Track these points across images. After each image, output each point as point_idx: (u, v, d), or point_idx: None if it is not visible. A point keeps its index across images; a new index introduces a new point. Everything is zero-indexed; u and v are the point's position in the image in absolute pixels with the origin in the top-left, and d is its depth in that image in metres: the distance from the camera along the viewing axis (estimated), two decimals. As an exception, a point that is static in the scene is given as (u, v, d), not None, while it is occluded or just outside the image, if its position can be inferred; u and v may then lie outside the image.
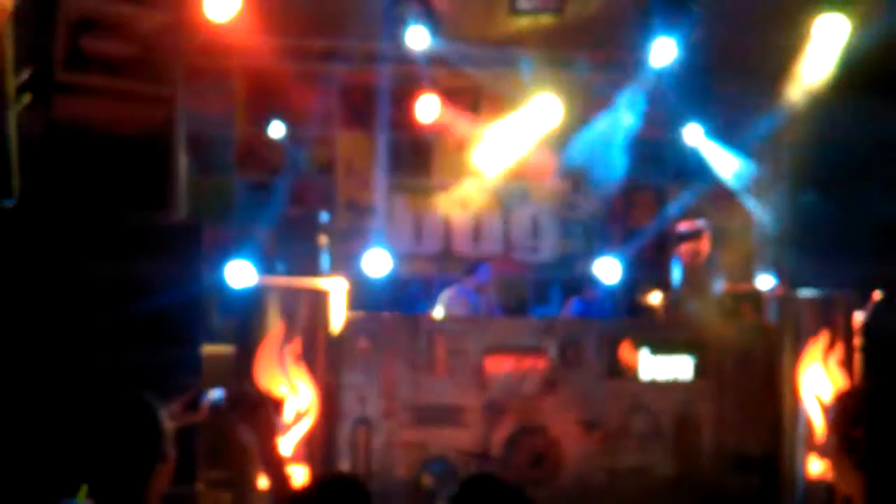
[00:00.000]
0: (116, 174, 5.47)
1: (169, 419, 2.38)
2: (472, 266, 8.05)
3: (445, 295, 8.02)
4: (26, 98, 5.22)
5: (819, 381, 5.85)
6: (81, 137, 5.45)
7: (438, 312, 7.68)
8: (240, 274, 6.87)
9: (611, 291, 8.17)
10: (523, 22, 7.64)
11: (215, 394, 2.69)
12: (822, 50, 7.60)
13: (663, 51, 7.81)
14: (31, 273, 4.47)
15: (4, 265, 4.36)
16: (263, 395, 2.63)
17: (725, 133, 9.44)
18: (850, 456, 2.16)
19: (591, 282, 8.04)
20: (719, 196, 9.84)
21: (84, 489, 2.30)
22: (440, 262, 9.51)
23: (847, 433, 2.20)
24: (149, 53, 5.82)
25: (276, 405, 2.71)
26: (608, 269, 8.39)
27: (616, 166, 9.40)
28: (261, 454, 2.54)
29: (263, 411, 2.54)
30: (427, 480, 5.89)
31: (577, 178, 9.73)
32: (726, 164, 9.43)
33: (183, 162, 8.62)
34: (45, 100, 5.39)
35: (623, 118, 8.96)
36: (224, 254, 8.59)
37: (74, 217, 4.78)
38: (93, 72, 5.66)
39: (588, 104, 9.72)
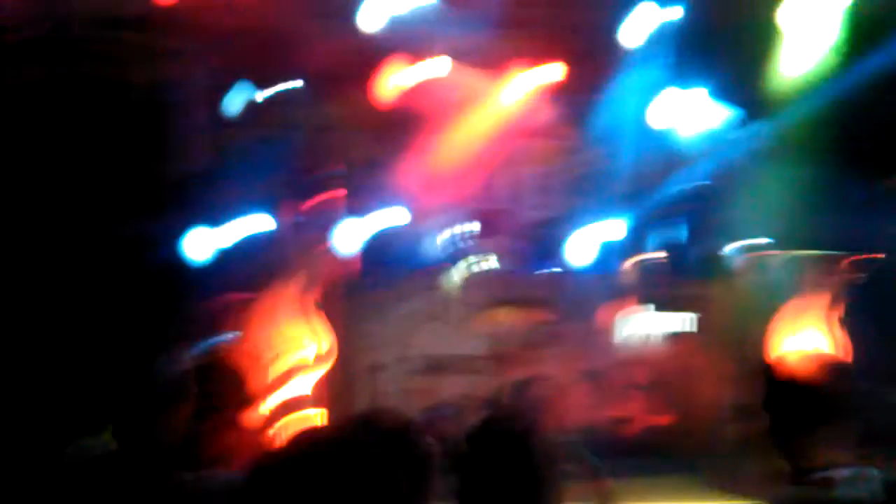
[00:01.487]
0: (135, 127, 5.58)
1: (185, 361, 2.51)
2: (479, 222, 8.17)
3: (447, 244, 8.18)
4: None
5: (817, 339, 6.05)
6: (101, 91, 5.58)
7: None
8: (260, 226, 7.06)
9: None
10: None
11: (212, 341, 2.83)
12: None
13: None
14: (59, 225, 4.56)
15: (32, 222, 4.48)
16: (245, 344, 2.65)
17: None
18: None
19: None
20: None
21: (109, 429, 2.39)
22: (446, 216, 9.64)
23: None
24: (167, 11, 5.94)
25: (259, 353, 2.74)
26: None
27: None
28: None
29: (245, 359, 2.67)
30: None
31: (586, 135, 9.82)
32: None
33: (203, 115, 8.78)
34: (66, 54, 5.52)
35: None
36: (243, 207, 8.76)
37: (95, 171, 4.86)
38: (113, 28, 5.77)
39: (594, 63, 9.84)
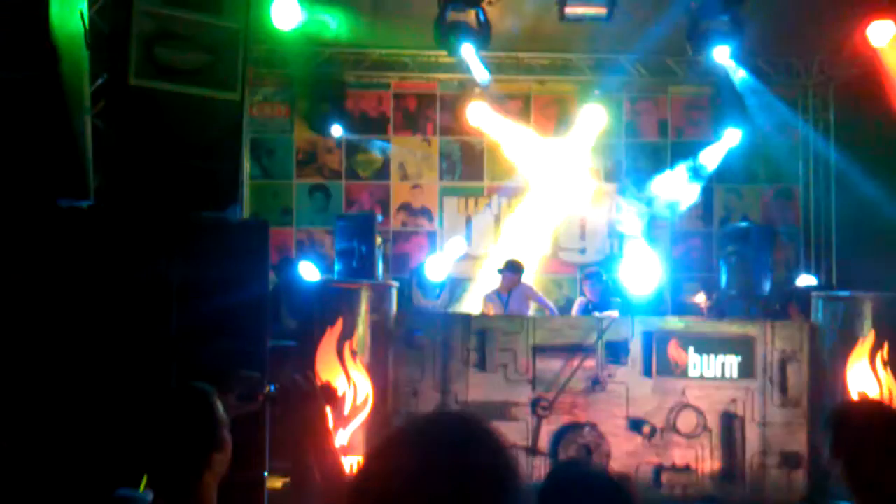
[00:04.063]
0: (186, 177, 5.67)
1: (226, 409, 2.42)
2: (501, 268, 8.20)
3: (481, 297, 8.26)
4: (102, 104, 5.50)
5: (865, 379, 5.90)
6: (153, 141, 5.70)
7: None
8: (304, 273, 7.12)
9: (610, 288, 8.22)
10: (572, 29, 7.78)
11: (271, 386, 2.67)
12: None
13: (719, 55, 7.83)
14: (105, 271, 4.62)
15: (79, 263, 4.53)
16: (313, 386, 2.54)
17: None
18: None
19: (592, 279, 8.07)
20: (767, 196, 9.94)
21: (144, 479, 2.36)
22: (490, 262, 9.71)
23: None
24: (217, 61, 6.08)
25: (330, 397, 2.65)
26: (649, 269, 8.53)
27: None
28: (311, 444, 2.51)
29: (313, 402, 2.52)
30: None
31: (622, 182, 9.88)
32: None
33: (246, 166, 8.98)
34: (120, 106, 5.67)
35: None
36: (286, 254, 8.89)
37: (146, 217, 4.94)
38: (165, 79, 5.93)
39: (634, 108, 9.90)
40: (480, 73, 8.84)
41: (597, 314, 7.30)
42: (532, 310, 8.04)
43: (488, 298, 8.03)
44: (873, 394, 5.84)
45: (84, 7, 5.27)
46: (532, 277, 8.96)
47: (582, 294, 8.33)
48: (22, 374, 4.17)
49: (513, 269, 8.03)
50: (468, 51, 7.93)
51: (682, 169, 9.51)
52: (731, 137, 9.27)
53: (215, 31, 5.95)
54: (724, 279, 8.12)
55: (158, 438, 2.30)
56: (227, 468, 2.39)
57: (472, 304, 9.12)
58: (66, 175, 4.66)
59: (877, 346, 5.94)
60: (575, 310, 8.06)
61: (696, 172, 9.51)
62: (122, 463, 2.44)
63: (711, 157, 9.47)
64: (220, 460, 2.35)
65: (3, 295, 4.23)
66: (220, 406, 2.40)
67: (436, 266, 8.54)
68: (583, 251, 9.77)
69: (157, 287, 4.71)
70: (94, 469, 3.91)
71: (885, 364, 5.91)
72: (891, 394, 5.87)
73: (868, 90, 8.12)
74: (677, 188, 9.50)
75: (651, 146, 9.94)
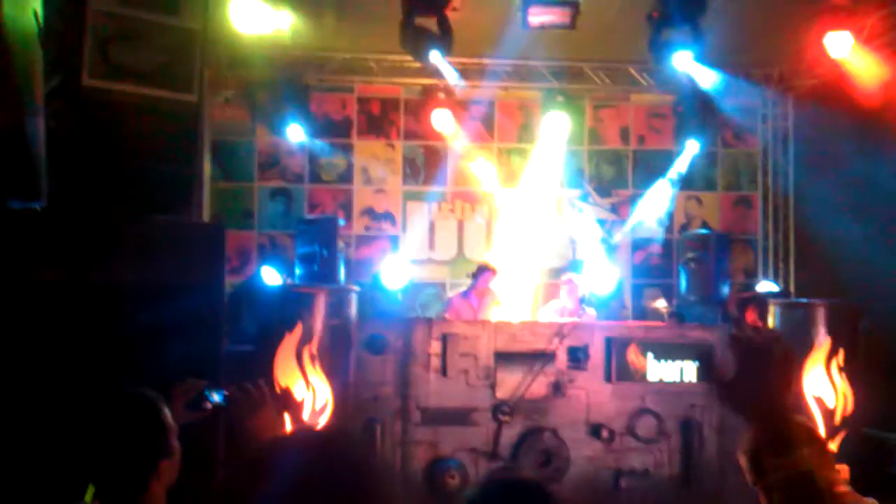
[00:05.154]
0: (140, 179, 5.59)
1: (174, 416, 2.40)
2: (474, 272, 8.22)
3: (451, 300, 8.25)
4: (56, 105, 5.41)
5: (821, 384, 5.97)
6: (107, 142, 5.61)
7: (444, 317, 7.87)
8: (265, 277, 7.05)
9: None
10: (535, 37, 7.80)
11: (216, 393, 2.66)
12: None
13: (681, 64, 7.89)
14: (55, 273, 4.52)
15: (30, 266, 4.46)
16: (263, 394, 2.51)
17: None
18: None
19: (570, 284, 8.11)
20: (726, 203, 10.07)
21: (91, 490, 2.31)
22: (453, 267, 9.71)
23: None
24: (174, 63, 6.00)
25: (289, 403, 2.68)
26: (608, 274, 8.60)
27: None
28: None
29: (265, 409, 2.49)
30: (452, 480, 6.03)
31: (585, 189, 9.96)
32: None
33: (207, 169, 8.88)
34: (74, 106, 5.57)
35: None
36: (247, 258, 8.81)
37: (98, 219, 4.85)
38: (119, 80, 5.83)
39: (597, 115, 9.97)
40: (450, 77, 8.85)
41: (566, 319, 7.33)
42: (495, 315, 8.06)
43: (458, 302, 8.02)
44: (829, 399, 5.91)
45: (39, 6, 5.17)
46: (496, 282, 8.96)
47: (557, 298, 8.34)
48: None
49: (484, 274, 8.05)
50: (434, 56, 7.92)
51: (663, 182, 9.62)
52: (693, 146, 9.39)
53: (172, 32, 5.89)
54: (683, 285, 8.19)
55: (105, 446, 2.26)
56: (175, 476, 2.36)
57: (436, 308, 9.11)
58: (17, 176, 4.57)
59: (832, 353, 6.01)
60: (550, 313, 8.07)
61: (674, 183, 9.65)
62: (67, 471, 2.38)
63: (680, 166, 9.60)
64: (168, 468, 2.32)
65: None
66: (167, 413, 2.36)
67: (392, 271, 8.49)
68: (545, 257, 9.81)
69: (108, 290, 4.63)
70: (38, 477, 3.79)
71: (840, 370, 5.97)
72: (846, 399, 5.94)
73: (827, 100, 8.25)
74: (661, 202, 9.63)
75: (613, 153, 10.02)
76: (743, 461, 1.91)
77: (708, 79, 8.62)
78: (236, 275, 8.44)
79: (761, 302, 7.06)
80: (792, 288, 9.26)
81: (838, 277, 7.54)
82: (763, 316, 6.78)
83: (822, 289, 7.24)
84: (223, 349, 5.28)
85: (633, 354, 6.27)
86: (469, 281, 8.28)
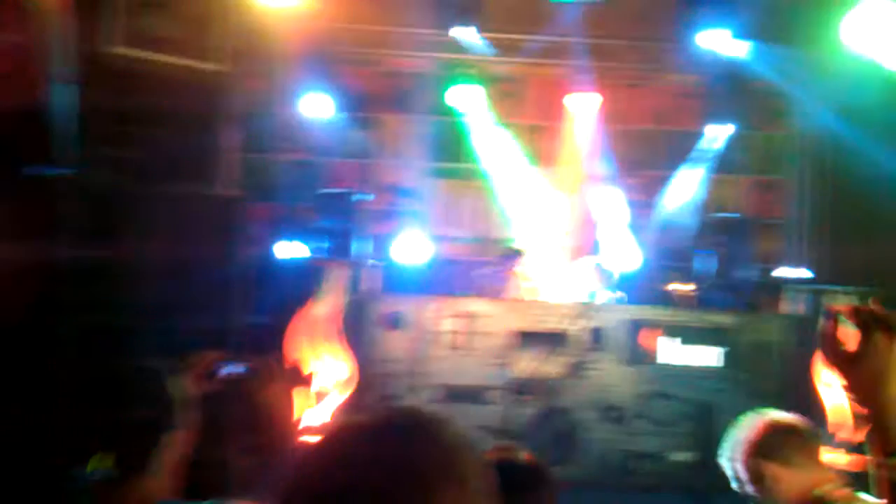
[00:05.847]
0: (167, 148, 5.61)
1: (189, 388, 2.39)
2: (501, 256, 8.18)
3: (475, 278, 8.22)
4: (83, 73, 5.44)
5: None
6: (134, 111, 5.63)
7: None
8: (283, 250, 7.07)
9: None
10: (566, 12, 7.71)
11: (235, 365, 2.61)
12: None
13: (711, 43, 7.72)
14: (73, 244, 4.54)
15: (44, 234, 4.48)
16: (283, 368, 2.54)
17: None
18: None
19: (600, 267, 8.05)
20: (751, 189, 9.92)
21: (95, 459, 2.39)
22: (475, 246, 9.68)
23: None
24: (202, 32, 6.00)
25: (298, 377, 2.66)
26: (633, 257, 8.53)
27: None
28: (276, 425, 2.44)
29: (281, 384, 2.47)
30: None
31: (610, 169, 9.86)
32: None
33: (235, 139, 8.90)
34: (101, 75, 5.59)
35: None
36: (269, 229, 8.85)
37: (117, 188, 4.87)
38: (147, 48, 5.84)
39: (627, 94, 9.84)
40: (479, 53, 8.77)
41: (589, 300, 7.29)
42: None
43: (482, 280, 7.99)
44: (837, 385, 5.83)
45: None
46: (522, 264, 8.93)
47: (583, 279, 8.27)
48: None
49: (511, 258, 8.03)
50: (463, 30, 7.86)
51: (692, 164, 9.50)
52: (724, 128, 9.24)
53: (200, 1, 5.88)
54: (707, 269, 8.10)
55: (115, 418, 2.28)
56: (190, 447, 2.36)
57: (458, 286, 9.09)
58: (34, 143, 4.61)
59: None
60: (576, 293, 8.03)
61: (703, 165, 9.52)
62: (75, 443, 2.41)
63: (709, 148, 9.46)
64: (180, 439, 2.32)
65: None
66: (180, 385, 2.37)
67: (414, 247, 8.49)
68: (571, 236, 9.73)
69: (126, 262, 4.66)
70: (48, 448, 3.85)
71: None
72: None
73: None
74: (690, 184, 9.52)
75: (642, 133, 9.88)
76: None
77: (741, 58, 8.47)
78: (257, 246, 8.47)
79: (782, 288, 6.99)
80: (818, 274, 9.11)
81: (871, 262, 7.40)
82: (787, 302, 6.73)
83: (851, 275, 7.11)
84: (244, 321, 5.32)
85: (651, 338, 6.25)
86: (495, 261, 8.24)
